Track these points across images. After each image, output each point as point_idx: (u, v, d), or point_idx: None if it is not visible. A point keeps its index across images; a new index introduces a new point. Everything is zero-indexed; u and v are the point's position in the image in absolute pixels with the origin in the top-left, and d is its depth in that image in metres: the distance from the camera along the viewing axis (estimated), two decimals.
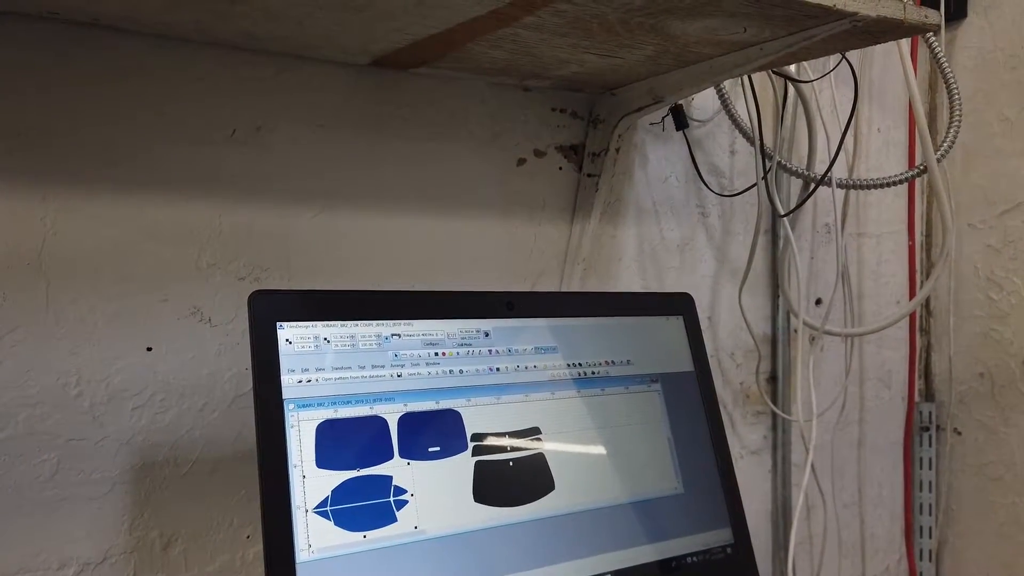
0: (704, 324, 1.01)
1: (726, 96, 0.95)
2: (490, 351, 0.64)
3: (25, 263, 0.64)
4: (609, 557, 0.63)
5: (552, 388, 0.66)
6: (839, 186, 1.02)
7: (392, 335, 0.60)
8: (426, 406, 0.60)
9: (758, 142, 0.93)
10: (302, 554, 0.53)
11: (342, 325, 0.59)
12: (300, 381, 0.56)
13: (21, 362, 0.64)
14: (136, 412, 0.69)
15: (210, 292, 0.71)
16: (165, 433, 0.70)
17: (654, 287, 0.98)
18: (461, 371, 0.62)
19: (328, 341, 0.58)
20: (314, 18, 0.64)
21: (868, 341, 1.18)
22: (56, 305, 0.65)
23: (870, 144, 1.17)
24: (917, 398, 1.23)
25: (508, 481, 0.61)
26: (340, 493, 0.55)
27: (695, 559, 0.67)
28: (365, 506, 0.55)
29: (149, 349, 0.69)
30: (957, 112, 0.99)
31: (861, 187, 1.01)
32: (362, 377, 0.58)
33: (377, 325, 0.60)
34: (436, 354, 0.62)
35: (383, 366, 0.59)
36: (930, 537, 1.21)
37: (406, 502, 0.57)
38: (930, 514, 1.21)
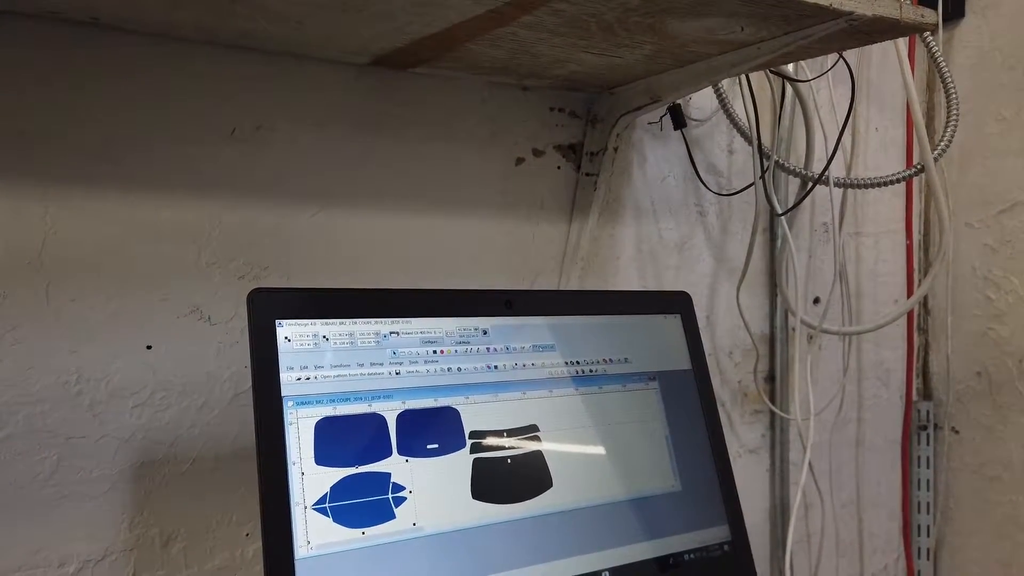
0: (702, 323, 1.02)
1: (724, 95, 0.96)
2: (488, 349, 0.65)
3: (25, 261, 0.65)
4: (606, 554, 0.63)
5: (550, 386, 0.66)
6: (837, 185, 1.02)
7: (391, 333, 0.61)
8: (424, 404, 0.60)
9: (756, 141, 0.94)
10: (301, 550, 0.53)
11: (341, 323, 0.59)
12: (299, 379, 0.56)
13: (21, 360, 0.64)
14: (136, 410, 0.69)
15: (210, 291, 0.72)
16: (165, 431, 0.70)
17: (652, 286, 0.98)
18: (459, 369, 0.63)
19: (327, 339, 0.58)
20: (313, 18, 0.64)
21: (866, 340, 1.18)
22: (56, 303, 0.66)
23: (868, 143, 1.18)
24: (915, 397, 1.23)
25: (506, 478, 0.61)
26: (339, 490, 0.55)
27: (692, 556, 0.68)
28: (364, 503, 0.56)
29: (149, 347, 0.69)
30: (954, 111, 1.00)
31: (858, 186, 1.02)
32: (361, 375, 0.59)
33: (376, 323, 0.60)
34: (434, 352, 0.62)
35: (382, 364, 0.60)
36: (928, 536, 1.21)
37: (404, 499, 0.57)
38: (928, 513, 1.21)
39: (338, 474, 0.55)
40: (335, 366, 0.58)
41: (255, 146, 0.74)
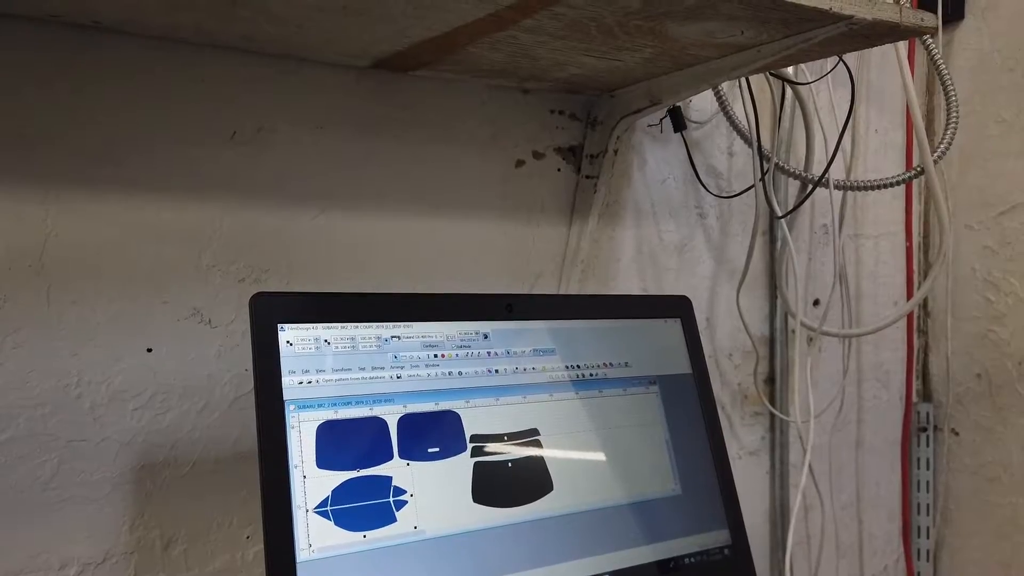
0: (702, 325, 1.02)
1: (724, 98, 0.96)
2: (489, 353, 0.65)
3: (27, 264, 0.65)
4: (607, 558, 0.63)
5: (551, 390, 0.66)
6: (836, 187, 1.02)
7: (392, 337, 0.61)
8: (425, 407, 0.60)
9: (756, 144, 0.94)
10: (302, 553, 0.53)
11: (342, 327, 0.59)
12: (301, 382, 0.56)
13: (22, 363, 0.65)
14: (136, 413, 0.69)
15: (210, 293, 0.72)
16: (165, 434, 0.70)
17: (652, 288, 0.98)
18: (460, 373, 0.63)
19: (328, 343, 0.58)
20: (314, 21, 0.64)
21: (866, 342, 1.18)
22: (57, 306, 0.66)
23: (867, 146, 1.18)
24: (915, 399, 1.23)
25: (506, 482, 0.62)
26: (340, 493, 0.55)
27: (693, 560, 0.68)
28: (365, 506, 0.56)
29: (149, 350, 0.69)
30: (954, 114, 1.00)
31: (858, 188, 1.02)
32: (362, 378, 0.59)
33: (377, 327, 0.60)
34: (435, 356, 0.62)
35: (383, 368, 0.60)
36: (928, 537, 1.21)
37: (405, 502, 0.57)
38: (928, 514, 1.21)
39: (340, 477, 0.55)
40: (337, 370, 0.58)
41: (256, 148, 0.74)
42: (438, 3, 0.60)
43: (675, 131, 0.94)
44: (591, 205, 0.91)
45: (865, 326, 1.15)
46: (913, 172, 1.01)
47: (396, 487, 0.57)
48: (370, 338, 0.60)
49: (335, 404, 0.57)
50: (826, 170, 0.96)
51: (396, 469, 0.58)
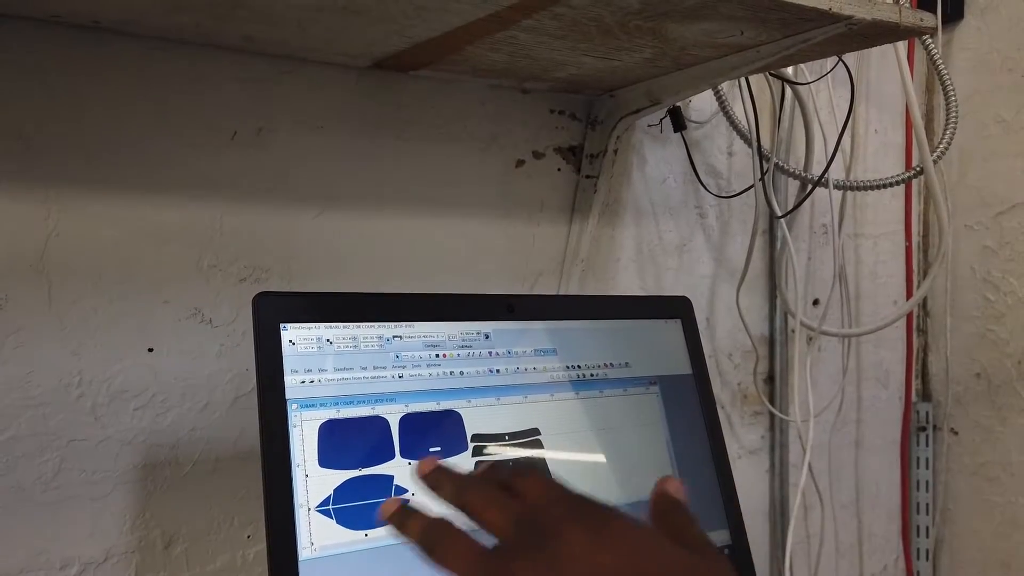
0: (702, 325, 1.02)
1: (724, 98, 0.96)
2: (490, 353, 0.65)
3: (28, 264, 0.65)
4: None
5: (551, 390, 0.66)
6: (836, 187, 1.02)
7: (394, 337, 0.61)
8: (427, 407, 0.61)
9: (755, 144, 0.94)
10: (304, 552, 0.53)
11: (344, 327, 0.59)
12: (303, 382, 0.56)
13: (24, 363, 0.65)
14: (138, 412, 0.69)
15: (211, 293, 0.72)
16: (166, 433, 0.70)
17: (652, 288, 0.98)
18: (462, 372, 0.63)
19: (331, 342, 0.58)
20: (314, 21, 0.65)
21: (865, 341, 1.18)
22: (58, 306, 0.66)
23: (867, 145, 1.18)
24: (914, 398, 1.23)
25: None
26: (342, 492, 0.55)
27: None
28: (367, 505, 0.56)
29: (150, 350, 0.69)
30: (954, 114, 1.00)
31: (858, 188, 1.02)
32: (364, 378, 0.59)
33: (379, 327, 0.61)
34: (437, 356, 0.62)
35: (385, 367, 0.60)
36: (927, 537, 1.22)
37: (407, 501, 0.57)
38: (927, 514, 1.21)
39: (342, 476, 0.56)
40: (339, 369, 0.58)
41: (256, 149, 0.74)
42: (439, 3, 0.60)
43: (675, 131, 0.94)
44: (591, 205, 0.91)
45: (864, 326, 1.15)
46: (912, 172, 1.02)
47: (398, 486, 0.57)
48: (372, 338, 0.60)
49: (337, 403, 0.57)
50: (826, 170, 0.96)
51: (398, 468, 0.58)
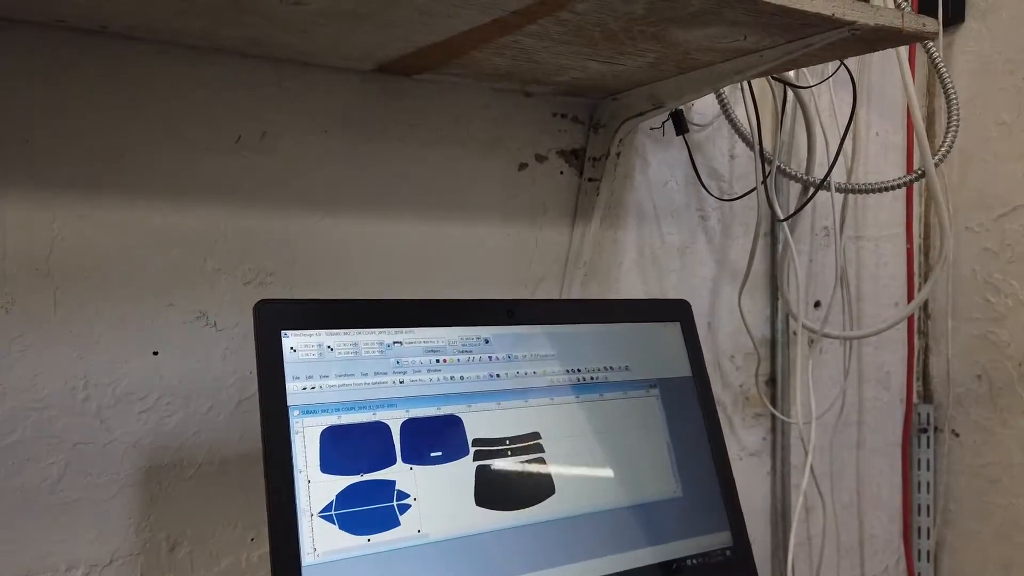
0: (704, 327, 1.02)
1: (726, 101, 0.96)
2: (490, 358, 0.65)
3: (34, 268, 0.65)
4: (609, 560, 0.64)
5: (552, 394, 0.67)
6: (838, 190, 1.02)
7: (394, 342, 0.61)
8: (428, 412, 0.61)
9: (757, 146, 0.94)
10: (308, 557, 0.54)
11: (345, 333, 0.60)
12: (305, 388, 0.57)
13: (30, 366, 0.65)
14: (142, 415, 0.69)
15: (215, 297, 0.72)
16: (171, 436, 0.71)
17: (654, 291, 0.99)
18: (462, 377, 0.63)
19: (332, 349, 0.59)
20: (319, 26, 0.65)
21: (866, 343, 1.18)
22: (64, 310, 0.66)
23: (868, 148, 1.18)
24: (915, 400, 1.24)
25: (509, 485, 0.62)
26: (344, 498, 0.56)
27: (694, 562, 0.68)
28: (369, 510, 0.56)
29: (155, 353, 0.70)
30: (955, 117, 1.00)
31: (860, 191, 1.02)
32: (365, 384, 0.59)
33: (380, 333, 0.61)
34: (437, 361, 0.63)
35: (386, 373, 0.60)
36: (928, 538, 1.22)
37: (409, 506, 0.58)
38: (928, 515, 1.22)
39: (344, 482, 0.56)
40: (340, 375, 0.58)
41: (260, 153, 0.74)
42: (443, 9, 0.60)
43: (677, 134, 0.95)
44: (593, 208, 0.91)
45: (866, 328, 1.15)
46: (914, 175, 1.02)
47: (399, 491, 0.58)
48: (373, 344, 0.60)
49: (338, 409, 0.58)
50: (828, 174, 0.96)
51: (399, 473, 0.58)
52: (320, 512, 0.55)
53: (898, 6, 0.87)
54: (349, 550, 0.55)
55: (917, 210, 1.23)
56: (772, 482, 1.09)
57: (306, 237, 0.76)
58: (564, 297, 0.91)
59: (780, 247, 1.06)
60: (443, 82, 0.82)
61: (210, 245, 0.72)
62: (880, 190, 1.02)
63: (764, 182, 0.97)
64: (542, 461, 0.64)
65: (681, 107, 0.93)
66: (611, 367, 0.71)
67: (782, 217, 1.02)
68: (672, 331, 0.75)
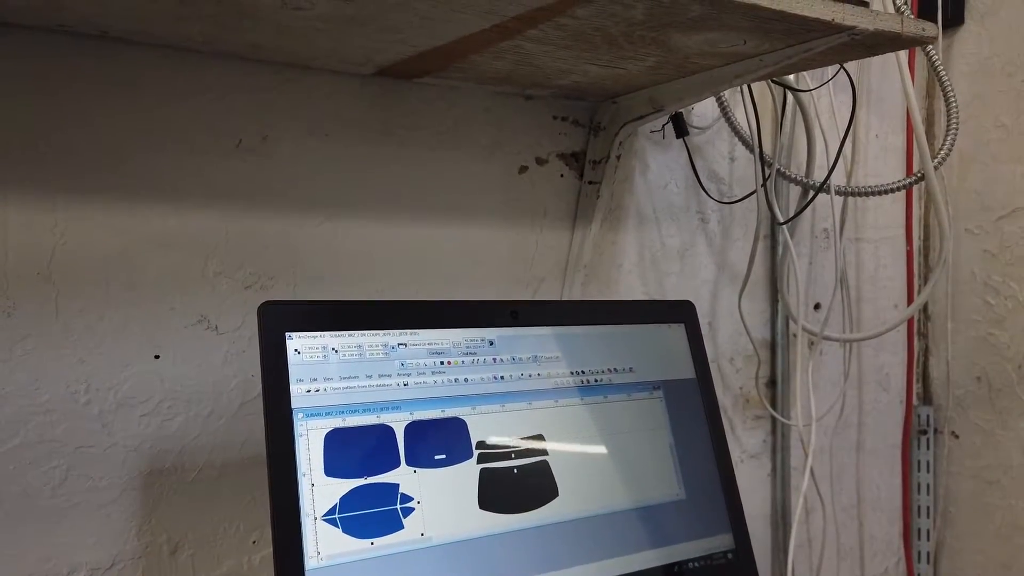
0: (704, 329, 1.02)
1: (726, 104, 0.96)
2: (495, 360, 0.65)
3: (35, 272, 0.65)
4: (612, 563, 0.64)
5: (556, 396, 0.67)
6: (838, 193, 1.03)
7: (398, 344, 0.61)
8: (432, 414, 0.61)
9: (757, 149, 0.94)
10: (311, 561, 0.53)
11: (349, 335, 0.60)
12: (309, 391, 0.57)
13: (31, 371, 0.65)
14: (144, 419, 0.69)
15: (217, 300, 0.72)
16: (172, 440, 0.71)
17: (654, 293, 0.99)
18: (466, 380, 0.63)
19: (336, 351, 0.59)
20: (319, 31, 0.65)
21: (866, 345, 1.19)
22: (65, 314, 0.66)
23: (868, 150, 1.18)
24: (915, 402, 1.24)
25: (513, 488, 0.62)
26: (348, 501, 0.56)
27: (697, 564, 0.68)
28: (372, 513, 0.56)
29: (157, 357, 0.70)
30: (954, 119, 1.00)
31: (860, 194, 1.02)
32: (369, 386, 0.59)
33: (384, 335, 0.61)
34: (441, 363, 0.63)
35: (390, 375, 0.60)
36: (928, 540, 1.22)
37: (412, 509, 0.58)
38: (928, 517, 1.22)
39: (347, 485, 0.56)
40: (344, 378, 0.58)
41: (261, 156, 0.74)
42: (443, 14, 0.60)
43: (677, 137, 0.95)
44: (594, 210, 0.91)
45: (866, 330, 1.15)
46: (914, 178, 1.02)
47: (403, 494, 0.58)
48: (377, 346, 0.60)
49: (343, 412, 0.58)
50: (828, 177, 0.97)
51: (403, 476, 0.58)
52: (324, 515, 0.55)
53: (898, 10, 0.87)
54: (353, 553, 0.55)
55: (917, 212, 1.23)
56: (772, 484, 1.09)
57: (307, 240, 0.76)
58: (564, 299, 0.91)
59: (780, 249, 1.06)
60: (443, 86, 0.82)
61: (211, 249, 0.72)
62: (880, 193, 1.02)
63: (764, 185, 0.97)
64: (546, 464, 0.64)
65: (681, 110, 0.93)
66: (615, 369, 0.71)
67: (782, 220, 1.02)
68: (676, 333, 0.75)
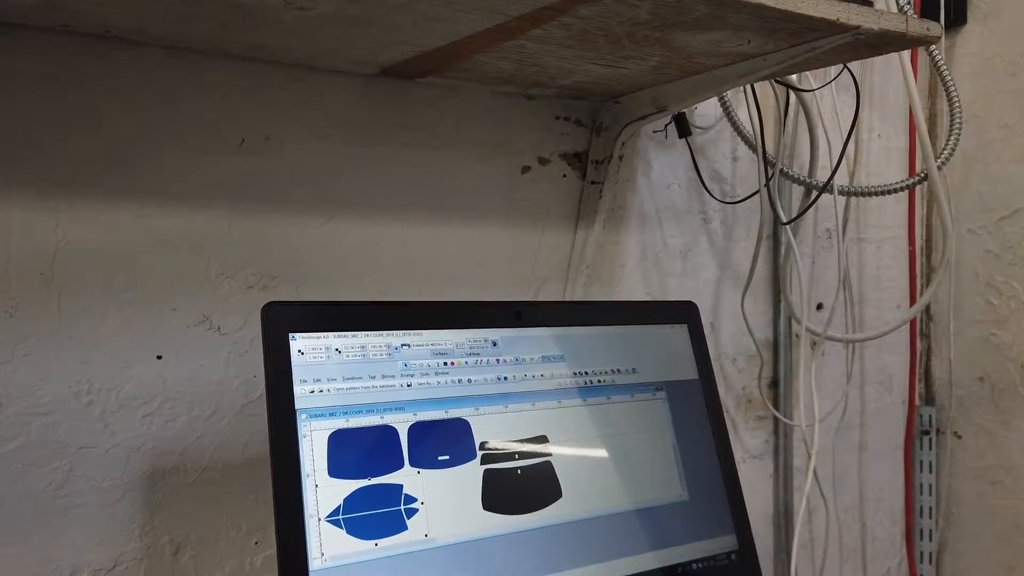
0: (707, 330, 1.02)
1: (728, 104, 0.96)
2: (498, 360, 0.65)
3: (37, 273, 0.65)
4: (616, 564, 0.64)
5: (559, 397, 0.67)
6: (841, 193, 1.03)
7: (402, 345, 0.61)
8: (435, 415, 0.61)
9: (760, 149, 0.94)
10: (315, 562, 0.53)
11: (353, 336, 0.59)
12: (312, 391, 0.57)
13: (33, 371, 0.65)
14: (146, 420, 0.69)
15: (219, 301, 0.72)
16: (175, 440, 0.70)
17: (657, 293, 0.99)
18: (469, 380, 0.63)
19: (339, 351, 0.58)
20: (323, 31, 0.65)
21: (869, 345, 1.18)
22: (67, 314, 0.66)
23: (871, 150, 1.18)
24: (918, 402, 1.24)
25: (516, 489, 0.62)
26: (352, 502, 0.55)
27: (700, 566, 0.68)
28: (376, 515, 0.56)
29: (159, 357, 0.70)
30: (957, 119, 1.00)
31: (862, 194, 1.02)
32: (373, 387, 0.59)
33: (387, 335, 0.61)
34: (445, 364, 0.63)
35: (393, 376, 0.60)
36: (930, 540, 1.22)
37: (416, 510, 0.58)
38: (930, 517, 1.22)
39: (351, 486, 0.56)
40: (348, 379, 0.58)
41: (264, 156, 0.74)
42: (446, 14, 0.60)
43: (680, 137, 0.95)
44: (596, 210, 0.91)
45: (868, 330, 1.15)
46: (917, 178, 1.02)
47: (407, 495, 0.58)
48: (380, 346, 0.60)
49: (346, 413, 0.57)
50: (831, 178, 0.96)
51: (407, 477, 0.58)
52: (328, 516, 0.54)
53: (901, 10, 0.87)
54: (357, 554, 0.55)
55: (919, 212, 1.23)
56: (775, 485, 1.09)
57: (309, 241, 0.76)
58: (567, 299, 0.90)
59: (783, 250, 1.06)
60: (446, 86, 0.82)
61: (213, 249, 0.72)
62: (882, 193, 1.02)
63: (767, 185, 0.97)
64: (549, 464, 0.64)
65: (684, 110, 0.93)
66: (618, 370, 0.70)
67: (785, 220, 1.02)
68: (679, 333, 0.75)
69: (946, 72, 1.00)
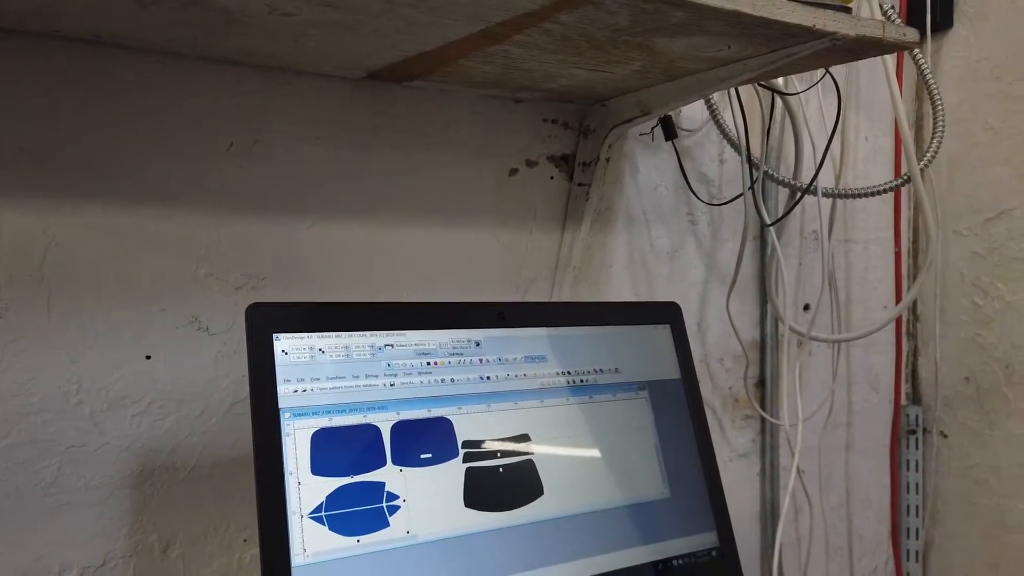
0: (693, 330, 1.03)
1: (714, 107, 0.97)
2: (481, 360, 0.66)
3: (27, 274, 0.66)
4: (597, 560, 0.65)
5: (542, 396, 0.68)
6: (825, 195, 1.04)
7: (385, 345, 0.62)
8: (418, 414, 0.62)
9: (745, 152, 0.95)
10: (297, 558, 0.54)
11: (336, 336, 0.60)
12: (296, 391, 0.58)
13: (23, 371, 0.66)
14: (135, 419, 0.70)
15: (208, 302, 0.73)
16: (164, 439, 0.71)
17: (644, 294, 1.00)
18: (452, 380, 0.64)
19: (323, 352, 0.59)
20: (309, 35, 0.66)
21: (855, 345, 1.20)
22: (57, 315, 0.67)
23: (857, 152, 1.19)
24: (904, 401, 1.25)
25: (498, 487, 0.63)
26: (334, 499, 0.56)
27: (681, 562, 0.69)
28: (359, 512, 0.57)
29: (148, 357, 0.71)
30: (940, 123, 1.01)
31: (846, 196, 1.03)
32: (356, 386, 0.60)
33: (371, 336, 0.62)
34: (428, 363, 0.64)
35: (376, 376, 0.61)
36: (917, 538, 1.23)
37: (398, 507, 0.59)
38: (917, 516, 1.23)
39: (334, 483, 0.57)
40: (331, 378, 0.59)
41: (252, 160, 0.75)
42: (429, 19, 0.61)
43: (666, 139, 0.96)
44: (583, 212, 0.92)
45: (854, 330, 1.16)
46: (900, 180, 1.03)
47: (389, 492, 0.59)
48: (364, 347, 0.61)
49: (329, 412, 0.58)
50: (813, 180, 0.98)
51: (389, 475, 0.59)
52: (310, 513, 0.55)
53: (885, 15, 0.88)
54: (339, 551, 0.56)
55: (905, 214, 1.24)
56: (761, 483, 1.10)
57: (298, 243, 0.77)
58: (550, 301, 0.91)
59: (769, 251, 1.07)
60: (433, 89, 0.83)
61: (202, 251, 0.73)
62: (866, 195, 1.03)
63: (752, 187, 0.98)
64: (531, 463, 0.65)
65: (670, 113, 0.94)
66: (601, 369, 0.71)
67: (769, 222, 1.03)
68: (662, 334, 0.76)
69: (929, 75, 1.02)
